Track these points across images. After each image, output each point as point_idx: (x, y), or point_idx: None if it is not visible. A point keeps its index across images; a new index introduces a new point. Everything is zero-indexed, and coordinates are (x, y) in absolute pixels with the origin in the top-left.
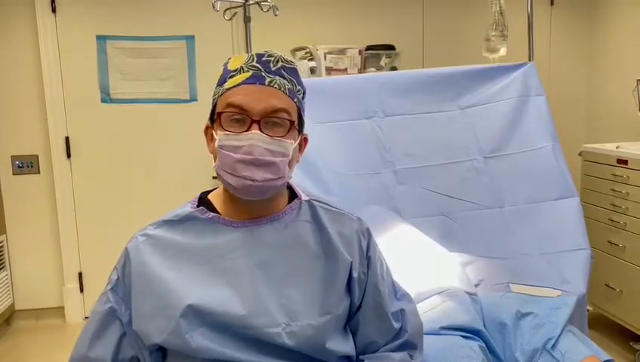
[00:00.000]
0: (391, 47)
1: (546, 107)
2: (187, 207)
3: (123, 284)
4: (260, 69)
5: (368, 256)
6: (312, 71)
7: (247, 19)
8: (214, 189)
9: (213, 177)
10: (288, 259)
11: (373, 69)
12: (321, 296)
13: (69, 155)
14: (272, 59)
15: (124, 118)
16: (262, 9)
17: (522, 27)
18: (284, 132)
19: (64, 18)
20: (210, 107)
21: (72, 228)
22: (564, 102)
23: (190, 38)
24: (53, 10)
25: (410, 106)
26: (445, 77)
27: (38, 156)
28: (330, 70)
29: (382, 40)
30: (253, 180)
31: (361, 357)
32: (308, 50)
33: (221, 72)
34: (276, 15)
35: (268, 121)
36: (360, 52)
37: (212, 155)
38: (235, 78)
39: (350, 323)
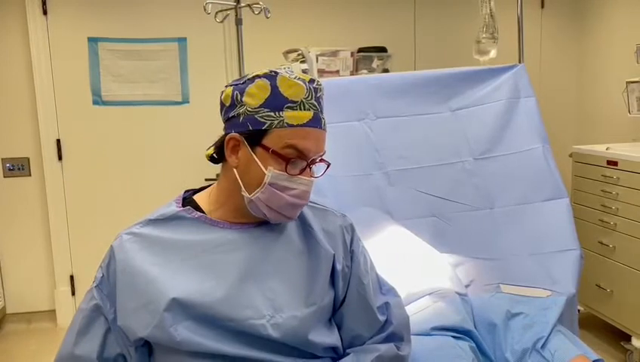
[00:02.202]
0: (383, 50)
1: (536, 109)
2: (172, 206)
3: (108, 282)
4: (317, 108)
5: (352, 249)
6: (304, 73)
7: (238, 22)
8: (200, 190)
9: (206, 179)
10: (273, 254)
11: (365, 71)
12: (305, 288)
13: (60, 158)
14: (322, 93)
15: (116, 121)
16: (253, 11)
17: (512, 29)
18: (323, 171)
19: (55, 20)
20: (247, 121)
21: (64, 231)
22: (555, 103)
23: (182, 40)
24: (45, 12)
25: (401, 108)
26: (436, 79)
27: (29, 159)
28: (322, 72)
29: (374, 42)
30: (292, 218)
31: (347, 350)
32: (300, 52)
33: (267, 89)
34: (268, 17)
35: (315, 162)
36: (352, 54)
37: (236, 170)
38: (296, 113)
39: (335, 316)
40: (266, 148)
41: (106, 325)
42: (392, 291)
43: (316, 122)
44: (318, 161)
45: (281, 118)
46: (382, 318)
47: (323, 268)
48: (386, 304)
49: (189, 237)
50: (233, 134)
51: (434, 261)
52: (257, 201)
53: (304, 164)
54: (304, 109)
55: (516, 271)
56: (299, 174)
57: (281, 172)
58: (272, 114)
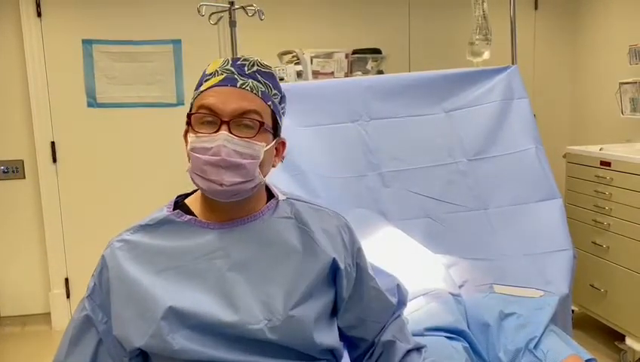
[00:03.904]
0: (377, 51)
1: (529, 110)
2: (163, 211)
3: (100, 291)
4: (233, 72)
5: (357, 247)
6: (299, 75)
7: (232, 24)
8: (192, 193)
9: None
10: (266, 256)
11: (359, 73)
12: (300, 289)
13: (54, 160)
14: (247, 63)
15: (111, 123)
16: (247, 13)
17: (506, 31)
18: (254, 133)
19: (49, 22)
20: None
21: (58, 234)
22: (549, 104)
23: (177, 42)
24: (39, 14)
25: (395, 109)
26: (430, 80)
27: (23, 161)
28: (316, 74)
29: (368, 44)
30: (221, 184)
31: (379, 349)
32: (294, 54)
33: (200, 76)
34: (262, 19)
35: (238, 122)
36: (346, 56)
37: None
38: (209, 81)
39: (351, 315)
40: (189, 121)
41: (97, 336)
42: (383, 272)
43: (227, 81)
44: (246, 121)
45: (199, 90)
46: (394, 300)
47: (319, 268)
48: (398, 286)
49: (180, 244)
50: (185, 127)
51: (427, 262)
52: (191, 174)
53: (218, 121)
54: (217, 75)
55: (509, 272)
56: (214, 133)
57: (195, 134)
58: (195, 91)
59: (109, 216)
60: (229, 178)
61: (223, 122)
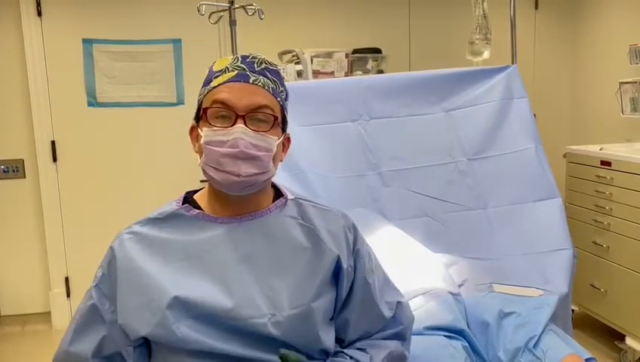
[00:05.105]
0: (377, 51)
1: (529, 109)
2: (172, 205)
3: (108, 280)
4: (244, 69)
5: (356, 249)
6: (299, 74)
7: (232, 23)
8: (200, 189)
9: (202, 180)
10: (273, 252)
11: (359, 72)
12: (305, 286)
13: (55, 159)
14: (256, 60)
15: (111, 122)
16: (247, 13)
17: (506, 30)
18: (268, 127)
19: (50, 22)
20: (196, 108)
21: (59, 233)
22: (549, 104)
23: (177, 42)
24: (39, 13)
25: (395, 109)
26: (429, 80)
27: (23, 160)
28: (316, 73)
29: (369, 43)
30: (238, 175)
31: (357, 344)
32: (295, 53)
33: (207, 74)
34: (262, 19)
35: (252, 116)
36: (347, 55)
37: (197, 155)
38: (220, 77)
39: (340, 317)
40: (202, 116)
41: (103, 325)
42: (398, 291)
43: (240, 77)
44: (260, 115)
45: (210, 86)
46: (388, 314)
47: (324, 267)
48: (399, 303)
49: (188, 237)
50: (191, 123)
51: (427, 261)
52: (204, 167)
53: (234, 116)
54: (228, 72)
55: (509, 271)
56: (230, 126)
57: (210, 128)
58: (205, 87)
59: (110, 215)
60: (246, 169)
61: (238, 116)
